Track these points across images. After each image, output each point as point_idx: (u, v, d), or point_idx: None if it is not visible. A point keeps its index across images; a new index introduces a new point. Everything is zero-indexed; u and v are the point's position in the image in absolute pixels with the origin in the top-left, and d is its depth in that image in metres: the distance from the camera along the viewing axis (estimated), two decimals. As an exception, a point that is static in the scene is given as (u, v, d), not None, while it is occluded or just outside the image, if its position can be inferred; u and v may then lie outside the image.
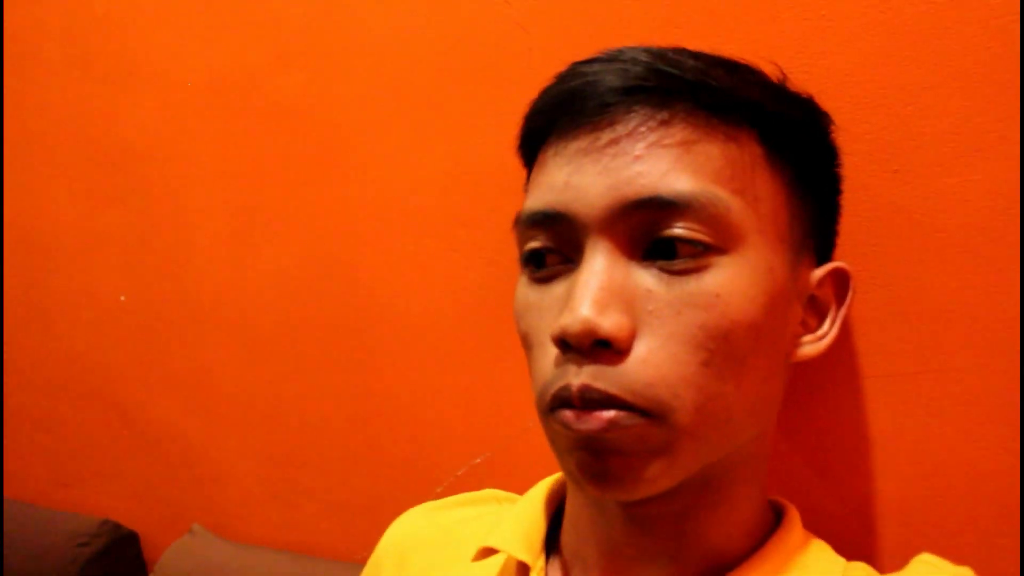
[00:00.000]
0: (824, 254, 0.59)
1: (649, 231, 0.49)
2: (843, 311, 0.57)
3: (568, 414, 0.48)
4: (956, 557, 0.55)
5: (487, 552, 0.59)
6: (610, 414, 0.46)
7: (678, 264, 0.48)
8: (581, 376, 0.47)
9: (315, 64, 0.96)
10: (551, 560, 0.59)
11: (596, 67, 0.51)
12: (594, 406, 0.47)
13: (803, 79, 0.65)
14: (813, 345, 0.55)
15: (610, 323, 0.46)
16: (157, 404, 1.15)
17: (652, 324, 0.47)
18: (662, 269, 0.48)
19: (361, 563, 0.98)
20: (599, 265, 0.48)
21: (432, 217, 0.90)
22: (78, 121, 1.17)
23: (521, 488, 0.87)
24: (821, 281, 0.56)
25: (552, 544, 0.60)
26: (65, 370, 1.24)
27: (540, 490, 0.63)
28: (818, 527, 0.61)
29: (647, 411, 0.47)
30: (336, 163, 0.96)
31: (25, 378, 1.29)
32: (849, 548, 0.59)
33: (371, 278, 0.95)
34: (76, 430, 1.25)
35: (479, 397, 0.89)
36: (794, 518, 0.57)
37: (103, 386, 1.21)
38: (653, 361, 0.47)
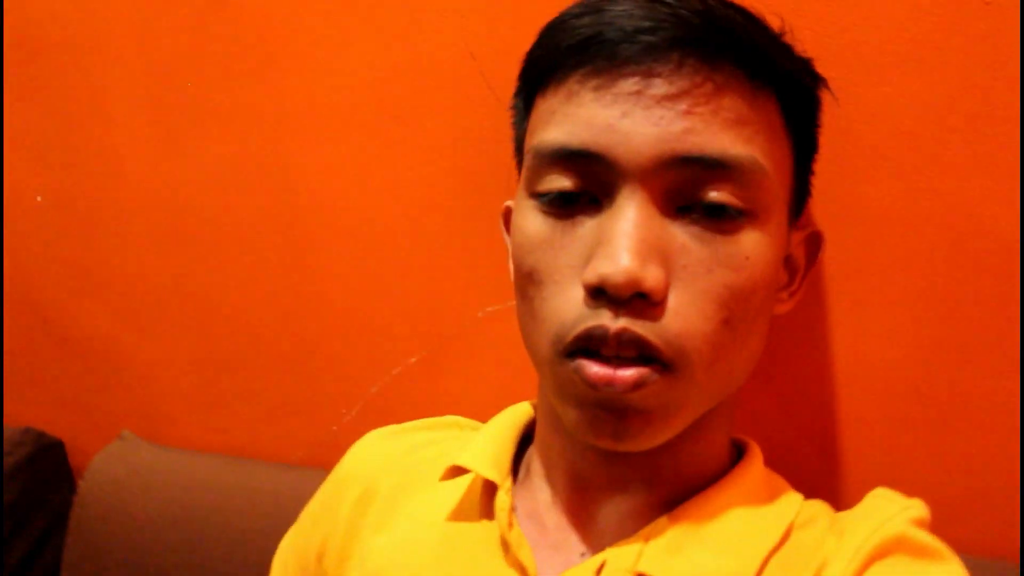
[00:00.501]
0: (797, 215, 0.60)
1: (689, 188, 0.49)
2: (811, 270, 0.61)
3: (594, 370, 0.48)
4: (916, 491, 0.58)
5: (456, 471, 0.61)
6: (634, 374, 0.48)
7: (717, 224, 0.49)
8: (619, 321, 0.48)
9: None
10: (518, 482, 0.61)
11: (643, 9, 0.49)
12: (624, 352, 0.48)
13: None
14: (786, 302, 0.59)
15: (653, 277, 0.47)
16: (81, 308, 1.13)
17: (684, 279, 0.49)
18: (700, 227, 0.49)
19: (294, 464, 1.00)
20: (639, 215, 0.48)
21: (369, 114, 0.89)
22: (-13, 10, 1.11)
23: (455, 387, 0.90)
24: (798, 242, 0.59)
25: (519, 468, 0.62)
26: (-20, 276, 1.21)
27: (508, 415, 0.65)
28: (782, 467, 0.64)
29: (671, 362, 0.48)
30: (270, 56, 0.93)
31: (-63, 285, 1.25)
32: (811, 486, 0.62)
33: (305, 176, 0.94)
34: (-6, 337, 1.22)
35: (413, 298, 0.90)
36: (755, 453, 0.60)
37: (22, 290, 1.17)
38: (683, 314, 0.48)
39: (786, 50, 0.56)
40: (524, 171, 0.54)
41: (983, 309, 0.67)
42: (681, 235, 0.49)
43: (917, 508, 0.54)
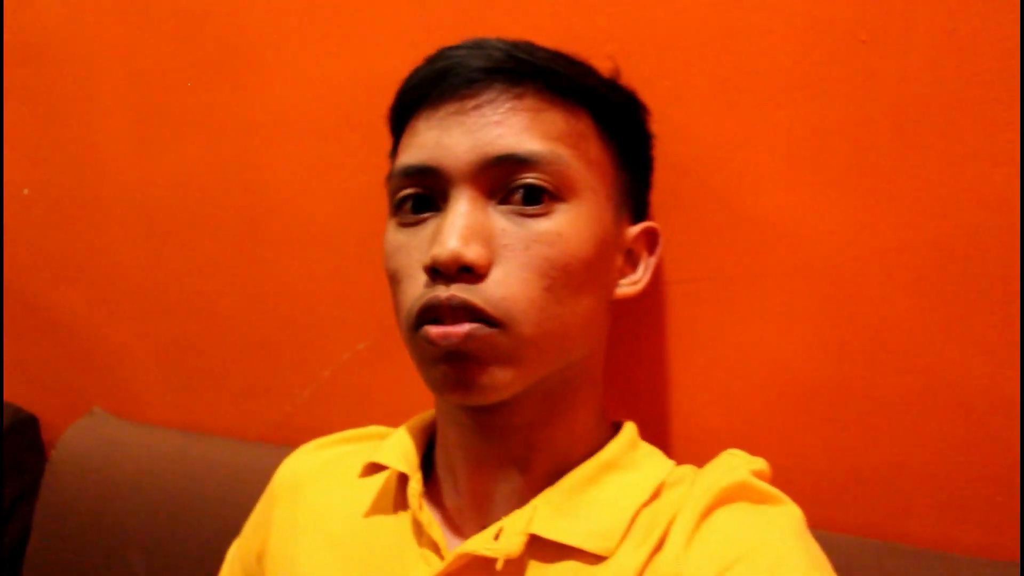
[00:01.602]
0: (638, 216, 0.70)
1: (505, 181, 0.59)
2: (653, 261, 0.69)
3: (432, 330, 0.57)
4: (774, 446, 0.66)
5: (373, 468, 0.68)
6: (466, 327, 0.56)
7: (529, 209, 0.59)
8: (449, 290, 0.56)
9: (221, -27, 0.99)
10: (428, 476, 0.68)
11: (463, 51, 0.62)
12: (456, 313, 0.56)
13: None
14: (629, 288, 0.67)
15: (473, 252, 0.56)
16: (58, 292, 1.19)
17: (506, 256, 0.58)
18: (516, 212, 0.59)
19: (252, 441, 1.05)
20: (464, 208, 0.58)
21: (327, 123, 0.95)
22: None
23: (398, 372, 0.94)
24: (636, 237, 0.68)
25: (429, 465, 0.69)
26: (-34, 261, 1.27)
27: (416, 420, 0.72)
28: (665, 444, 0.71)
29: (498, 321, 0.57)
30: (241, 69, 1.00)
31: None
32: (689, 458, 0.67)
33: (268, 177, 1.01)
34: (-25, 318, 1.27)
35: (363, 289, 0.96)
36: (629, 429, 0.68)
37: (4, 274, 1.24)
38: (506, 282, 0.57)
39: (597, 80, 0.67)
40: (388, 197, 0.64)
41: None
42: (502, 221, 0.59)
43: (760, 463, 0.62)
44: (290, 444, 0.92)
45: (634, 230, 0.68)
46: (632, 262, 0.68)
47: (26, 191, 1.19)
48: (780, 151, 0.74)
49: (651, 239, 0.70)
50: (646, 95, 0.75)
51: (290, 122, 0.98)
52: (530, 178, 0.58)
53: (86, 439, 1.10)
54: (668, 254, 0.78)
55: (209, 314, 1.08)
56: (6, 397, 1.22)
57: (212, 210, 1.05)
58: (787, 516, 0.58)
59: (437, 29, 0.87)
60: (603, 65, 0.70)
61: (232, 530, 0.82)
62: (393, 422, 0.78)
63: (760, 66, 0.74)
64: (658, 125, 0.75)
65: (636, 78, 0.76)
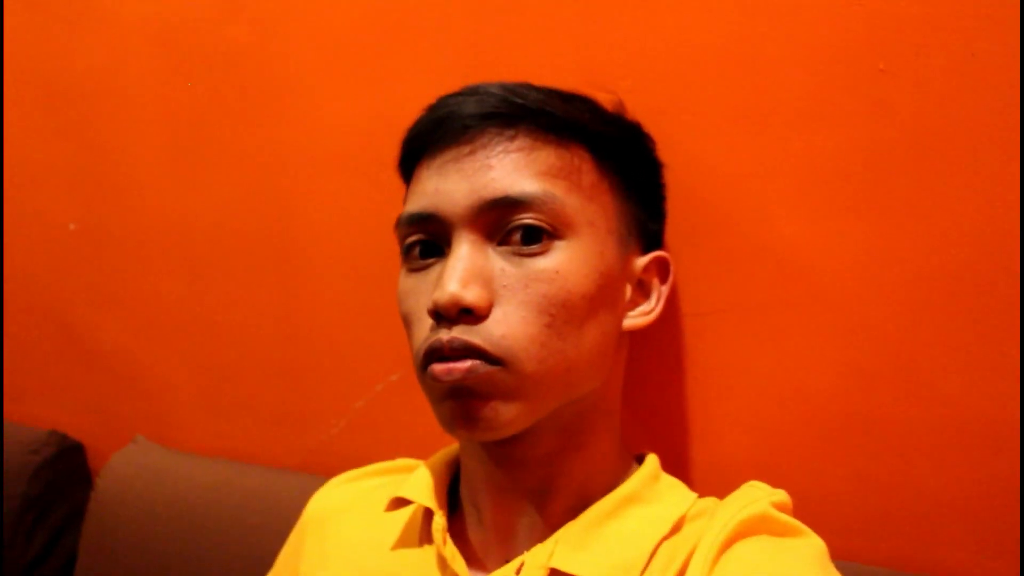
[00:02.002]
0: (650, 246, 0.71)
1: (503, 223, 0.61)
2: (665, 290, 0.70)
3: (436, 367, 0.59)
4: (800, 483, 0.65)
5: (398, 503, 0.70)
6: (468, 363, 0.58)
7: (527, 249, 0.60)
8: (451, 332, 0.58)
9: (257, 15, 1.02)
10: (453, 510, 0.70)
11: (459, 99, 0.64)
12: (458, 353, 0.58)
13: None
14: (641, 318, 0.68)
15: (472, 295, 0.58)
16: (103, 323, 1.22)
17: (506, 295, 0.59)
18: (513, 252, 0.60)
19: (288, 469, 1.07)
20: (463, 252, 0.60)
21: (358, 158, 0.97)
22: (31, 57, 1.22)
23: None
24: (646, 267, 0.69)
25: (454, 499, 0.71)
26: (18, 293, 1.31)
27: (440, 455, 0.73)
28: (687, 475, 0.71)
29: (500, 359, 0.58)
30: (271, 107, 1.03)
31: (-20, 302, 1.35)
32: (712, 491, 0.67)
33: (302, 211, 1.03)
34: (27, 348, 1.31)
35: (395, 321, 0.93)
36: (650, 462, 0.68)
37: (53, 307, 1.27)
38: (506, 321, 0.59)
39: (592, 114, 0.68)
40: (398, 244, 0.66)
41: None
42: (501, 262, 0.60)
43: (781, 495, 0.62)
44: (325, 473, 0.94)
45: (643, 260, 0.68)
46: (644, 292, 0.69)
47: (72, 226, 1.22)
48: (798, 180, 0.74)
49: (662, 268, 0.70)
50: (664, 127, 0.76)
51: (324, 157, 1.00)
52: (527, 219, 0.60)
53: (130, 467, 1.12)
54: (689, 285, 0.79)
55: (246, 345, 1.10)
56: (54, 424, 1.25)
57: (249, 243, 1.07)
58: (809, 548, 0.58)
59: (464, 68, 0.89)
60: (607, 99, 0.71)
61: (268, 558, 0.83)
62: (425, 452, 0.79)
63: (778, 96, 0.74)
64: (675, 156, 0.75)
65: (654, 110, 0.77)
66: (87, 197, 1.21)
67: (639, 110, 0.76)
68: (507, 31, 0.86)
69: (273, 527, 0.94)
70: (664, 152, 0.76)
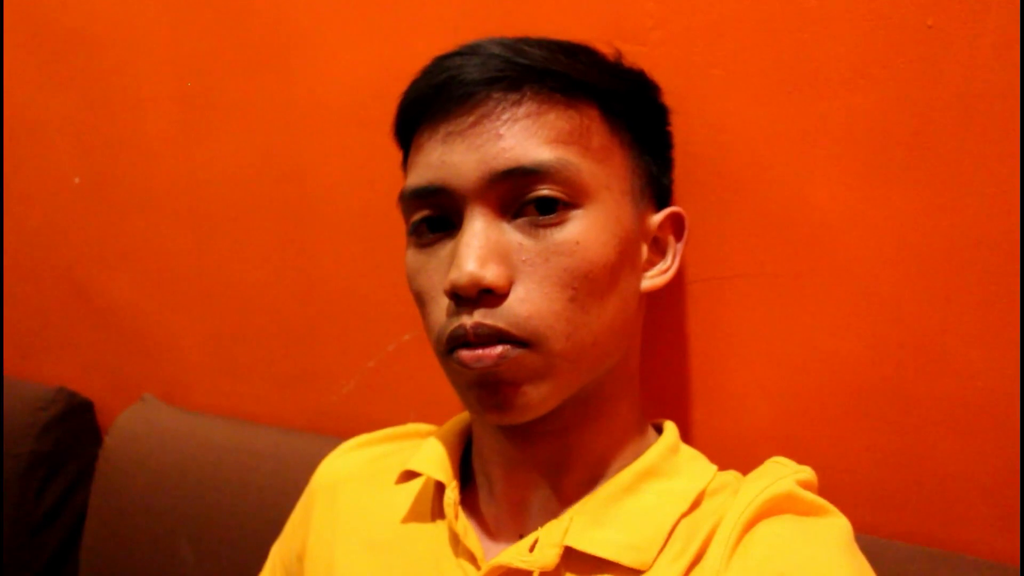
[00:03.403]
0: (662, 201, 0.68)
1: (516, 195, 0.57)
2: (680, 247, 0.67)
3: (464, 354, 0.56)
4: (822, 455, 0.63)
5: (408, 475, 0.68)
6: (499, 349, 0.55)
7: (543, 220, 0.57)
8: (473, 317, 0.55)
9: (265, -38, 1.00)
10: (464, 482, 0.68)
11: (457, 60, 0.60)
12: (484, 340, 0.55)
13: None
14: (659, 277, 0.65)
15: (492, 274, 0.55)
16: (111, 281, 1.21)
17: (526, 271, 0.56)
18: (531, 224, 0.57)
19: (297, 430, 1.06)
20: (478, 227, 0.57)
21: (371, 113, 0.95)
22: (37, 7, 1.20)
23: None
24: (661, 224, 0.66)
25: (465, 471, 0.69)
26: (24, 249, 1.30)
27: (452, 424, 0.71)
28: (705, 445, 0.69)
29: (527, 341, 0.56)
30: (284, 58, 1.01)
31: (-14, 257, 1.35)
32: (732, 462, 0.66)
33: (313, 168, 1.01)
34: (35, 305, 1.31)
35: (406, 282, 0.95)
36: (669, 432, 0.66)
37: (60, 264, 1.27)
38: (529, 299, 0.56)
39: (598, 68, 0.64)
40: (403, 217, 0.63)
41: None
42: (518, 236, 0.57)
43: (806, 472, 0.60)
44: (335, 433, 0.93)
45: (658, 217, 0.66)
46: (659, 250, 0.67)
47: (77, 180, 1.21)
48: (836, 143, 0.71)
49: (677, 224, 0.68)
50: (695, 83, 0.73)
51: (336, 113, 0.98)
52: (542, 190, 0.57)
53: (138, 425, 1.13)
54: (711, 248, 0.76)
55: (256, 303, 1.09)
56: (62, 382, 1.26)
57: (259, 200, 1.06)
58: (834, 529, 0.56)
59: (481, 16, 0.86)
60: (605, 51, 0.67)
61: (276, 518, 0.83)
62: (436, 414, 0.78)
63: (817, 52, 0.71)
64: (705, 114, 0.73)
65: (684, 64, 0.74)
66: (92, 150, 1.19)
67: (669, 64, 0.73)
68: (526, -21, 0.83)
69: (282, 487, 0.95)
70: (692, 107, 0.73)
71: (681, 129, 0.74)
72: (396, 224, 0.93)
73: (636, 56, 0.72)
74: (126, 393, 1.20)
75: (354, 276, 1.01)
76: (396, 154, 0.92)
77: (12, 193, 1.28)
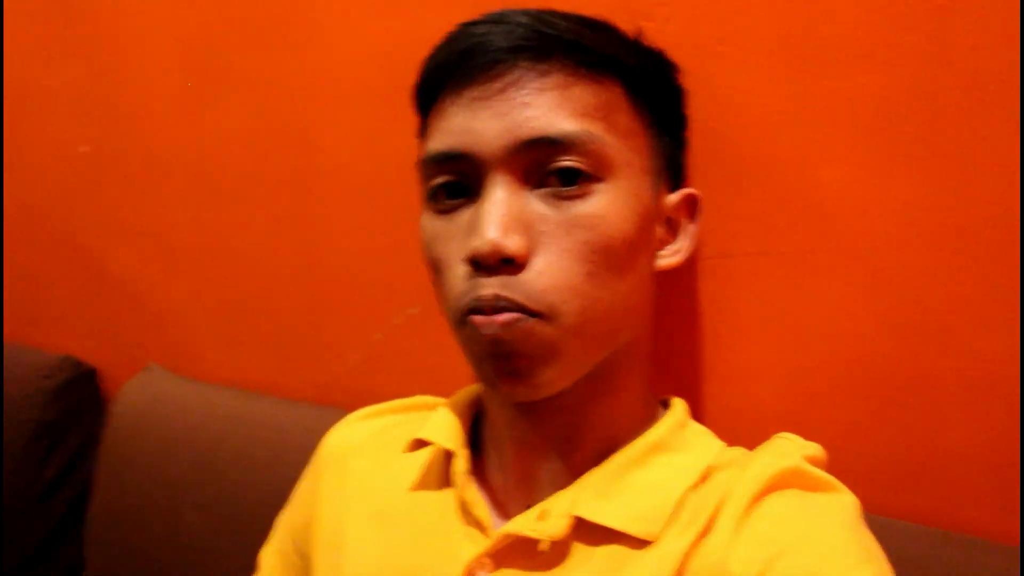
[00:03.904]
0: (676, 182, 0.68)
1: (540, 165, 0.57)
2: (693, 228, 0.68)
3: (478, 317, 0.56)
4: (829, 434, 0.63)
5: (418, 444, 0.68)
6: (511, 316, 0.55)
7: (566, 191, 0.57)
8: (492, 287, 0.55)
9: (273, -71, 0.99)
10: (473, 452, 0.68)
11: (483, 28, 0.59)
12: (501, 312, 0.55)
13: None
14: (672, 257, 0.66)
15: (514, 244, 0.55)
16: (117, 250, 1.21)
17: (546, 242, 0.56)
18: (553, 196, 0.57)
19: (302, 401, 1.07)
20: (500, 195, 0.56)
21: (377, 83, 0.95)
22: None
23: (449, 337, 0.95)
24: (676, 205, 0.66)
25: (474, 442, 0.69)
26: (29, 217, 1.30)
27: (462, 395, 0.72)
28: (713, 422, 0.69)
29: (540, 313, 0.56)
30: (290, 28, 1.00)
31: (-10, 225, 1.35)
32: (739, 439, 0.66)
33: (320, 139, 1.00)
34: (40, 273, 1.31)
35: (415, 252, 0.93)
36: (678, 408, 0.66)
37: (65, 231, 1.26)
38: (548, 272, 0.56)
39: (624, 45, 0.64)
40: (420, 183, 0.63)
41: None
42: (540, 206, 0.57)
43: (814, 448, 0.60)
44: (341, 406, 0.93)
45: (673, 198, 0.66)
46: (672, 230, 0.67)
47: (83, 148, 1.20)
48: (842, 122, 0.71)
49: (691, 205, 0.68)
50: (702, 59, 0.72)
51: (343, 83, 0.98)
52: (566, 160, 0.57)
53: (144, 394, 1.13)
54: (718, 226, 0.76)
55: (261, 274, 1.09)
56: (67, 350, 1.26)
57: (265, 170, 1.06)
58: (840, 505, 0.56)
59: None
60: (625, 27, 0.67)
61: (281, 489, 0.83)
62: (443, 387, 0.78)
63: (825, 30, 0.70)
64: (713, 91, 0.72)
65: (691, 41, 0.74)
66: (97, 119, 1.19)
67: (676, 40, 0.72)
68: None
69: (287, 459, 0.94)
70: (701, 86, 0.73)
71: (688, 106, 0.73)
72: (403, 196, 0.94)
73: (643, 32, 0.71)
74: (131, 362, 1.20)
75: (361, 248, 1.00)
76: (402, 125, 0.92)
77: (17, 161, 1.28)
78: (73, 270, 1.27)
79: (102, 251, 1.23)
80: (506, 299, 0.55)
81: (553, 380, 0.58)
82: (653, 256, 0.64)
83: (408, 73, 0.91)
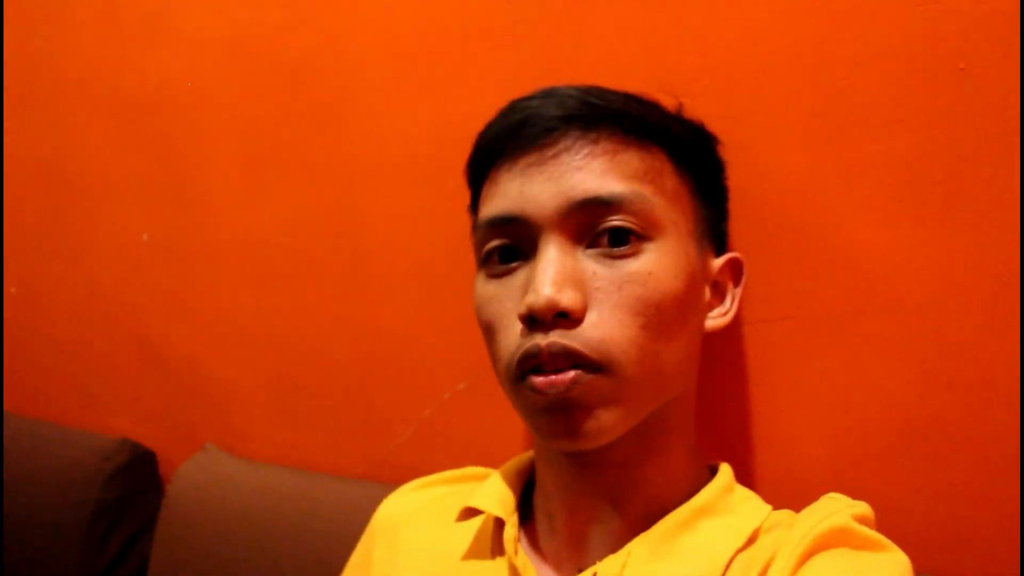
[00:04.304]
0: (720, 248, 0.70)
1: (592, 225, 0.60)
2: (739, 292, 0.70)
3: (537, 379, 0.57)
4: (875, 495, 0.63)
5: (469, 512, 0.69)
6: (571, 374, 0.57)
7: (617, 251, 0.59)
8: (549, 337, 0.57)
9: (325, 27, 1.04)
10: (525, 520, 0.69)
11: (536, 101, 0.63)
12: (559, 362, 0.57)
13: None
14: (720, 319, 0.68)
15: (568, 298, 0.57)
16: (174, 334, 1.25)
17: (599, 298, 0.58)
18: (605, 255, 0.59)
19: (355, 478, 1.07)
20: (554, 254, 0.59)
21: (424, 168, 0.98)
22: (109, 72, 1.26)
23: (497, 411, 0.94)
24: (721, 269, 0.68)
25: (526, 509, 0.70)
26: (92, 303, 1.34)
27: (513, 464, 0.73)
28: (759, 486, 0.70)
29: (600, 364, 0.57)
30: (341, 117, 1.04)
31: (56, 310, 1.39)
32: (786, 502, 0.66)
33: (370, 219, 1.03)
34: (100, 357, 1.35)
35: (462, 329, 0.95)
36: (724, 473, 0.67)
37: (126, 317, 1.30)
38: (603, 325, 0.58)
39: (667, 116, 0.68)
40: (474, 250, 0.65)
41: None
42: (592, 264, 0.59)
43: (862, 507, 0.60)
44: (393, 482, 0.94)
45: (718, 262, 0.68)
46: (719, 294, 0.69)
47: (146, 237, 1.25)
48: (875, 184, 0.72)
49: (736, 270, 0.70)
50: (739, 129, 0.75)
51: (390, 167, 1.01)
52: (616, 220, 0.59)
53: (200, 474, 1.14)
54: (760, 290, 0.77)
55: (314, 354, 1.11)
56: (125, 433, 1.28)
57: (317, 253, 1.09)
58: (892, 563, 0.56)
59: (533, 73, 0.86)
60: (666, 102, 0.71)
61: (335, 565, 0.83)
62: (492, 460, 0.78)
63: (854, 98, 0.72)
64: (749, 159, 0.75)
65: (728, 112, 0.76)
66: (160, 208, 1.24)
67: (714, 112, 0.75)
68: (576, 35, 0.86)
69: (340, 536, 0.94)
70: (738, 155, 0.75)
71: (728, 177, 0.75)
72: (450, 275, 0.97)
73: (683, 107, 0.75)
74: (188, 443, 1.22)
75: (409, 325, 1.02)
76: (448, 206, 0.96)
77: (84, 250, 1.33)
78: (132, 354, 1.30)
79: (160, 335, 1.26)
80: (560, 344, 0.56)
81: (612, 427, 0.59)
82: (702, 317, 0.66)
83: (452, 155, 0.94)
